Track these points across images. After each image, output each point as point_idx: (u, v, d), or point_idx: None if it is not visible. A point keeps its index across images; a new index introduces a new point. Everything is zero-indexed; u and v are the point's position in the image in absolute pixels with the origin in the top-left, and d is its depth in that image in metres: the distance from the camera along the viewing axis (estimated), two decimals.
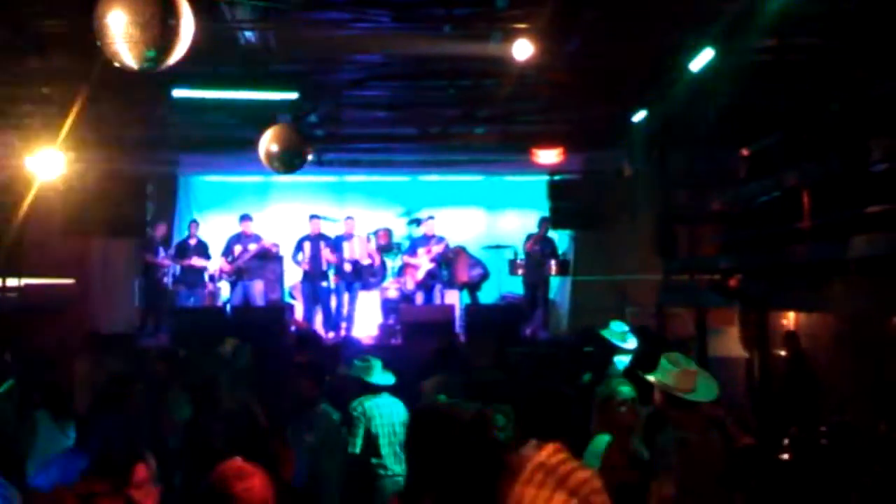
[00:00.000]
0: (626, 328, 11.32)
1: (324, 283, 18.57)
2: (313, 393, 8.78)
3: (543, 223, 19.03)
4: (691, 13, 11.23)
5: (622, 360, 10.40)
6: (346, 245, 18.48)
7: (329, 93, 15.68)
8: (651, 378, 7.08)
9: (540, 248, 18.81)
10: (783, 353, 14.10)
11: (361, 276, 18.71)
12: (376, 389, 9.04)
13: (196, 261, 18.67)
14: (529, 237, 19.03)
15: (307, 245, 18.51)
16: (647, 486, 6.61)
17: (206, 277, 18.90)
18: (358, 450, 8.84)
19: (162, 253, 18.61)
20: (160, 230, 18.89)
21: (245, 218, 18.70)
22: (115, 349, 12.54)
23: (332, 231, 18.95)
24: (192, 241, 18.94)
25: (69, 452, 6.99)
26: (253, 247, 18.40)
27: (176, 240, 19.76)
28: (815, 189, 11.45)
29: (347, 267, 18.41)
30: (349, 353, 12.93)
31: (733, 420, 8.78)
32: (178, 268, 18.97)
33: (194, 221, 19.44)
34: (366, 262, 18.62)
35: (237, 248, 18.47)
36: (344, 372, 9.54)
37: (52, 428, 8.18)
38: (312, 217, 18.74)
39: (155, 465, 5.46)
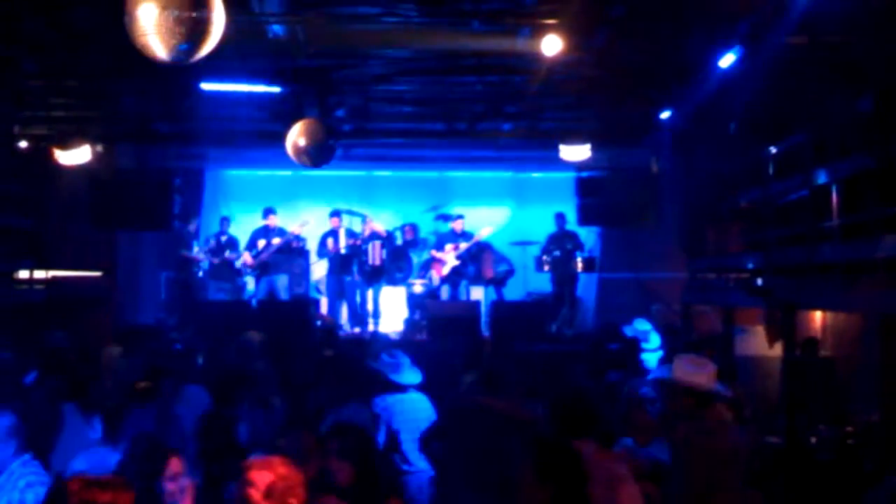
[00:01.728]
0: (650, 326, 11.31)
1: (348, 278, 18.61)
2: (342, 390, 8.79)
3: (559, 219, 18.96)
4: (720, 10, 11.19)
5: (650, 357, 10.40)
6: (362, 247, 18.53)
7: (357, 87, 15.70)
8: (665, 377, 7.06)
9: (561, 246, 18.72)
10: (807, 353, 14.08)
11: (382, 275, 18.72)
12: (402, 386, 9.03)
13: (228, 255, 18.75)
14: (551, 237, 18.96)
15: (330, 241, 18.56)
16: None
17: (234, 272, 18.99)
18: (379, 446, 8.83)
19: (196, 248, 18.69)
20: (192, 225, 18.98)
21: (269, 212, 18.75)
22: (144, 342, 12.56)
23: (354, 225, 18.99)
24: (224, 238, 19.01)
25: (96, 446, 7.02)
26: (276, 241, 18.44)
27: (204, 234, 19.82)
28: (843, 187, 11.38)
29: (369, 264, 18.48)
30: (377, 347, 12.95)
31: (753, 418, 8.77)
32: (208, 262, 19.04)
33: (226, 217, 19.51)
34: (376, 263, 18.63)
35: (261, 243, 18.52)
36: (371, 365, 9.51)
37: (78, 420, 8.20)
38: (333, 213, 18.78)
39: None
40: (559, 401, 6.38)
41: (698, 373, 6.83)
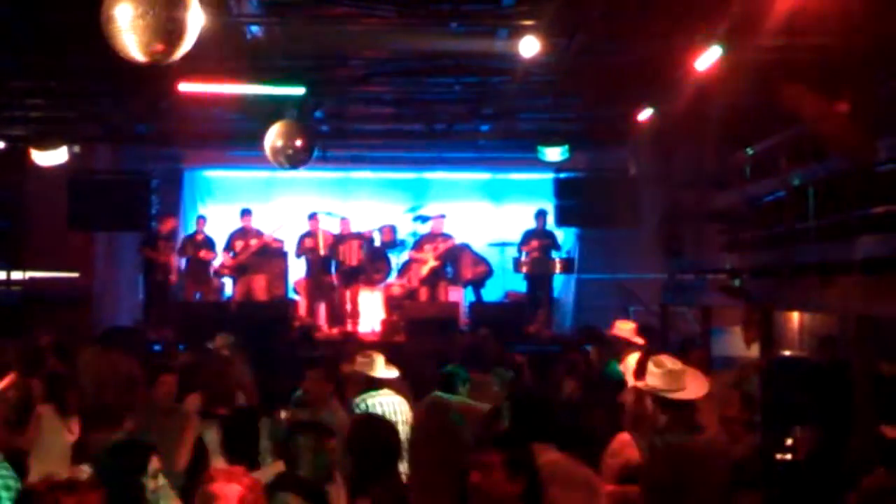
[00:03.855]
0: (632, 327, 11.32)
1: (326, 279, 18.61)
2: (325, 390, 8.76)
3: (540, 217, 18.95)
4: (697, 11, 11.21)
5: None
6: (341, 248, 18.52)
7: (335, 88, 15.68)
8: (639, 384, 7.05)
9: (540, 244, 18.72)
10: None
11: (360, 275, 18.71)
12: (380, 385, 9.01)
13: (203, 255, 18.70)
14: (528, 234, 18.94)
15: (308, 242, 18.56)
16: None
17: (212, 272, 18.94)
18: None
19: (162, 247, 18.59)
20: (166, 224, 18.89)
21: (246, 213, 18.76)
22: (123, 343, 12.53)
23: (332, 226, 18.99)
24: (199, 237, 18.96)
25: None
26: (254, 242, 18.43)
27: (182, 234, 19.78)
28: (820, 189, 11.42)
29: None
30: (352, 349, 12.93)
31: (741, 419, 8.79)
32: (183, 262, 18.99)
33: (202, 217, 19.47)
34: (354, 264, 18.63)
35: (238, 244, 18.50)
36: (347, 368, 9.51)
37: (55, 422, 8.17)
38: (311, 215, 18.78)
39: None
40: (519, 404, 6.38)
41: (664, 375, 6.78)
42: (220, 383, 8.71)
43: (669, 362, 6.91)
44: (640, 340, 10.66)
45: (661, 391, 6.74)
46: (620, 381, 9.02)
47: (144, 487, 5.20)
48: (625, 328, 11.13)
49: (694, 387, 6.86)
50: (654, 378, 6.81)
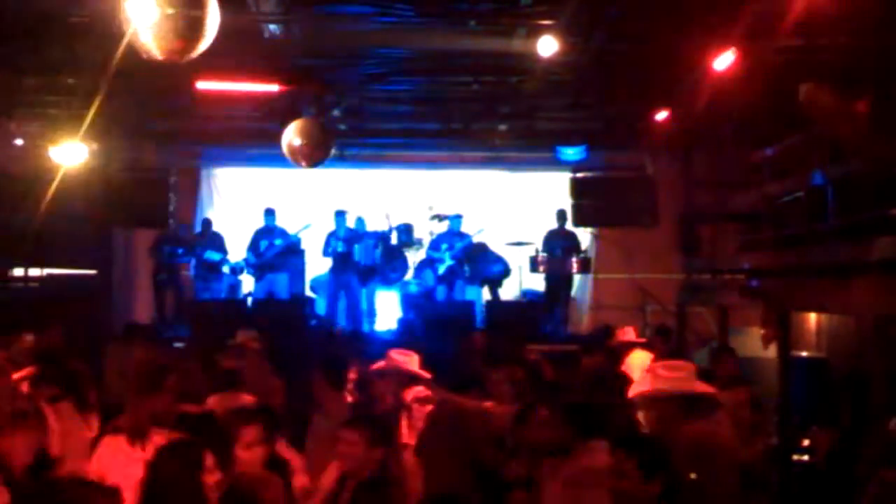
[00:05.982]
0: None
1: (343, 277, 18.62)
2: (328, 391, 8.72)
3: (561, 216, 18.92)
4: (715, 11, 11.19)
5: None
6: (357, 246, 18.53)
7: (352, 87, 15.70)
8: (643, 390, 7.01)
9: (561, 244, 18.70)
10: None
11: (376, 274, 18.72)
12: (417, 381, 8.98)
13: (209, 255, 18.71)
14: (550, 234, 18.91)
15: (325, 240, 18.58)
16: None
17: (227, 270, 18.95)
18: None
19: (167, 251, 18.55)
20: (179, 222, 18.96)
21: (269, 212, 18.79)
22: (143, 339, 12.59)
23: (350, 225, 19.01)
24: (204, 238, 18.97)
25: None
26: (279, 242, 18.51)
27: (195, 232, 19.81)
28: (838, 189, 11.38)
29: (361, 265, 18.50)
30: (371, 347, 12.94)
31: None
32: (194, 261, 19.02)
33: (207, 220, 19.48)
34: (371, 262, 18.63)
35: (263, 244, 18.56)
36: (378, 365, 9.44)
37: (74, 418, 8.18)
38: (338, 213, 18.78)
39: None
40: (571, 403, 6.40)
41: (674, 378, 6.76)
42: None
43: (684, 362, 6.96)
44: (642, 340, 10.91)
45: (684, 391, 6.73)
46: (625, 380, 9.01)
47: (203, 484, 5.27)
48: (628, 334, 11.36)
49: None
50: (671, 382, 6.79)
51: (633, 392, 6.99)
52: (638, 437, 5.73)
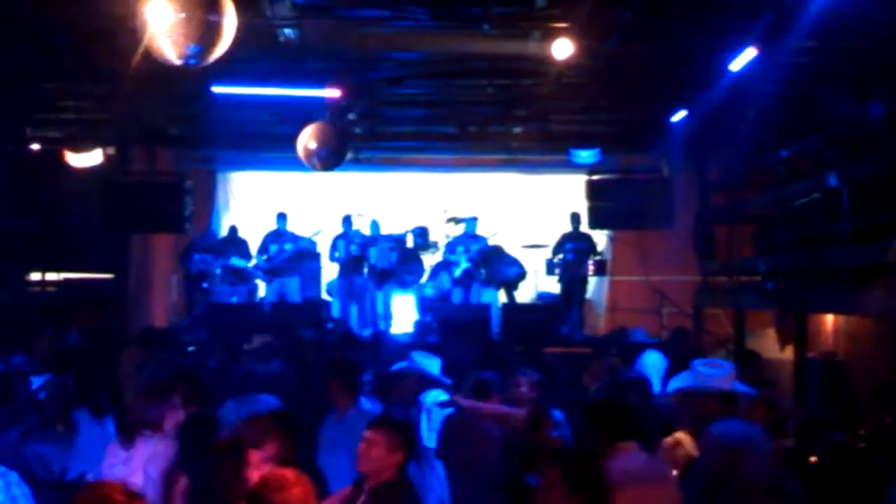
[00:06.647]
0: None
1: (359, 281, 18.62)
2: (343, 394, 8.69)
3: (575, 218, 18.87)
4: (732, 13, 11.19)
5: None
6: (373, 250, 18.53)
7: (367, 90, 15.72)
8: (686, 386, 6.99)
9: (575, 247, 18.65)
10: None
11: (391, 277, 18.72)
12: (438, 384, 8.97)
13: (235, 261, 18.73)
14: (563, 237, 18.86)
15: (341, 244, 18.58)
16: None
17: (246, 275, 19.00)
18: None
19: (196, 258, 18.60)
20: (199, 228, 18.99)
21: (281, 216, 18.78)
22: (162, 344, 12.62)
23: (364, 228, 19.01)
24: (231, 244, 18.99)
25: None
26: (289, 247, 18.49)
27: (212, 235, 19.82)
28: (854, 191, 11.36)
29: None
30: (387, 350, 12.93)
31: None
32: (219, 266, 19.05)
33: (234, 226, 19.49)
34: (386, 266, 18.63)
35: (273, 247, 18.56)
36: (400, 366, 9.41)
37: (91, 423, 8.21)
38: (344, 216, 18.80)
39: None
40: (600, 405, 6.40)
41: (716, 375, 6.78)
42: None
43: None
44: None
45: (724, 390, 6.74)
46: (644, 380, 8.98)
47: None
48: None
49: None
50: (712, 379, 6.79)
51: (671, 388, 7.00)
52: (567, 451, 5.77)
